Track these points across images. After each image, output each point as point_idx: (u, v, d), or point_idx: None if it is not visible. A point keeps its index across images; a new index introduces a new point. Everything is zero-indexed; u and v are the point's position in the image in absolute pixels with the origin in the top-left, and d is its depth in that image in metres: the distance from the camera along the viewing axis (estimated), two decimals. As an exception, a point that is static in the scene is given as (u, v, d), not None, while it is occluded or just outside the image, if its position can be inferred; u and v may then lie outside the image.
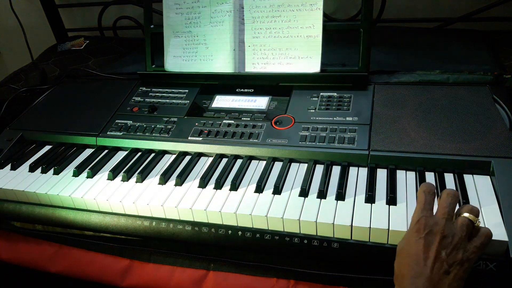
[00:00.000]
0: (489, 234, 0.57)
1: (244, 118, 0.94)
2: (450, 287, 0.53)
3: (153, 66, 1.12)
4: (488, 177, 0.74)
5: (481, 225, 0.60)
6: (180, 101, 1.03)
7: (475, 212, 0.58)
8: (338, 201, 0.73)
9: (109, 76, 1.19)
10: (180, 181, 0.83)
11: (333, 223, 0.68)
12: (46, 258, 0.87)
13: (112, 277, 0.83)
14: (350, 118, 0.88)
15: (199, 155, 0.91)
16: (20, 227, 0.91)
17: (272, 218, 0.72)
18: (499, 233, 0.62)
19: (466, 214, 0.58)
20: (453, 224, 0.57)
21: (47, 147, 1.02)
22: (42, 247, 0.89)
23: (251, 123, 0.92)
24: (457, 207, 0.61)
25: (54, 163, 0.94)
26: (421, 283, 0.53)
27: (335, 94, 0.95)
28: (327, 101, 0.93)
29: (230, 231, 0.75)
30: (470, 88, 0.89)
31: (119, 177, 0.87)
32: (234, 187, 0.79)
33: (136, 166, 0.89)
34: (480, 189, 0.72)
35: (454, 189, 0.71)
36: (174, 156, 0.92)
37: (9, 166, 0.95)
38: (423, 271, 0.54)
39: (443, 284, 0.53)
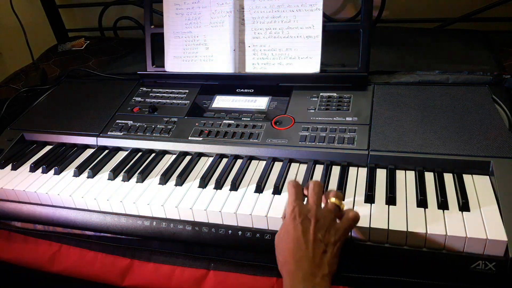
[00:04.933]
0: (355, 216, 0.64)
1: (244, 118, 0.94)
2: (328, 264, 0.59)
3: (154, 66, 1.12)
4: (488, 177, 0.74)
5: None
6: (180, 101, 1.03)
7: (340, 197, 0.66)
8: (338, 201, 0.73)
9: (110, 76, 1.19)
10: (181, 181, 0.83)
11: (333, 223, 0.69)
12: (46, 258, 0.88)
13: (112, 277, 0.83)
14: (350, 118, 0.88)
15: (199, 155, 0.91)
16: (20, 227, 0.91)
17: (272, 218, 0.72)
18: (498, 233, 0.62)
19: (333, 199, 0.66)
20: (322, 209, 0.64)
21: (47, 147, 1.02)
22: (42, 247, 0.89)
23: (251, 123, 0.92)
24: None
25: (54, 163, 0.94)
26: (306, 264, 0.58)
27: (335, 94, 0.95)
28: (327, 101, 0.93)
29: (230, 231, 0.75)
30: (469, 88, 0.89)
31: (120, 177, 0.87)
32: (234, 187, 0.79)
33: (137, 166, 0.89)
34: (480, 189, 0.72)
35: (453, 188, 0.73)
36: (174, 156, 0.92)
37: (9, 166, 0.95)
38: (305, 254, 0.59)
39: (323, 263, 0.59)
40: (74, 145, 1.01)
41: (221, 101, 1.00)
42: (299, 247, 0.60)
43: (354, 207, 0.71)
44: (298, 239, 0.60)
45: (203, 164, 0.89)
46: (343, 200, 0.71)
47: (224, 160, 0.88)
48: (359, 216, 0.65)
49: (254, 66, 1.02)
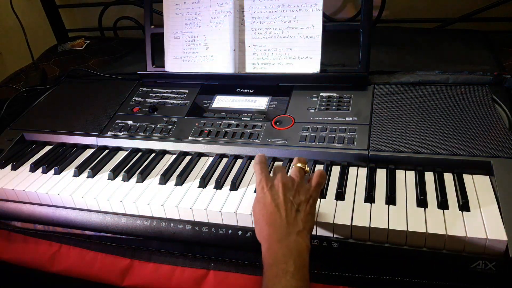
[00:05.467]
0: (321, 172, 0.68)
1: (244, 118, 0.94)
2: (303, 221, 0.62)
3: (154, 66, 1.12)
4: (488, 177, 0.74)
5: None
6: (180, 101, 1.03)
7: (302, 161, 0.70)
8: (338, 201, 0.73)
9: (110, 76, 1.19)
10: (181, 181, 0.83)
11: (333, 223, 0.69)
12: (46, 258, 0.88)
13: (112, 277, 0.83)
14: (350, 118, 0.88)
15: (199, 155, 0.91)
16: (20, 227, 0.91)
17: (272, 218, 0.72)
18: (498, 233, 0.62)
19: (298, 164, 0.69)
20: (288, 175, 0.68)
21: (47, 147, 1.02)
22: (42, 247, 0.89)
23: (251, 123, 0.92)
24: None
25: (54, 163, 0.94)
26: (280, 225, 0.61)
27: (335, 94, 0.95)
28: (327, 101, 0.93)
29: (230, 231, 0.75)
30: (469, 88, 0.89)
31: (120, 177, 0.87)
32: (234, 187, 0.79)
33: (137, 166, 0.89)
34: (480, 189, 0.72)
35: (453, 188, 0.73)
36: (174, 156, 0.92)
37: (9, 166, 0.95)
38: (278, 216, 0.61)
39: (297, 221, 0.61)
40: (74, 145, 1.01)
41: (221, 101, 1.00)
42: (271, 211, 0.62)
43: (354, 207, 0.71)
44: (269, 205, 0.63)
45: (203, 164, 0.89)
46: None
47: (224, 160, 0.88)
48: (324, 173, 0.70)
49: (254, 66, 1.02)
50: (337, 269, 0.71)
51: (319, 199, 0.74)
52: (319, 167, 0.82)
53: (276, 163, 0.86)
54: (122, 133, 0.97)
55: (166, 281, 0.79)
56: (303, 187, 0.66)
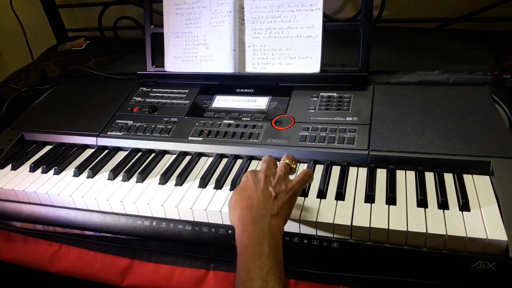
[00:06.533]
0: (307, 171, 0.70)
1: (244, 118, 0.94)
2: (279, 207, 0.63)
3: (154, 66, 1.12)
4: (488, 177, 0.74)
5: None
6: (180, 101, 1.03)
7: (291, 158, 0.72)
8: (338, 201, 0.73)
9: (110, 76, 1.19)
10: (180, 181, 0.83)
11: (333, 223, 0.69)
12: (46, 258, 0.87)
13: (112, 277, 0.83)
14: (350, 118, 0.88)
15: (199, 155, 0.91)
16: (20, 227, 0.91)
17: (272, 218, 0.72)
18: (498, 233, 0.62)
19: (286, 160, 0.71)
20: (274, 169, 0.70)
21: (47, 147, 1.02)
22: (42, 247, 0.89)
23: (251, 123, 0.92)
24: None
25: (54, 163, 0.94)
26: (256, 208, 0.63)
27: (335, 94, 0.95)
28: (327, 101, 0.93)
29: (230, 231, 0.75)
30: (469, 88, 0.89)
31: (120, 177, 0.87)
32: (234, 187, 0.79)
33: (137, 166, 0.89)
34: (480, 189, 0.72)
35: (453, 188, 0.73)
36: (174, 156, 0.92)
37: (9, 166, 0.95)
38: (256, 198, 0.64)
39: (273, 206, 0.63)
40: (74, 145, 1.01)
41: (221, 101, 1.00)
42: (249, 195, 0.65)
43: (354, 207, 0.71)
44: (249, 189, 0.66)
45: (203, 164, 0.89)
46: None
47: (224, 160, 0.88)
48: (311, 171, 0.71)
49: (254, 66, 1.02)
50: (337, 269, 0.71)
51: (319, 199, 0.74)
52: (319, 167, 0.82)
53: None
54: (122, 133, 0.97)
55: (166, 281, 0.79)
56: (286, 179, 0.68)
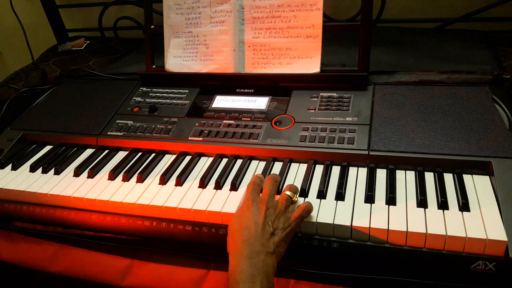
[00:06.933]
0: (306, 206, 0.69)
1: (244, 118, 0.94)
2: (275, 245, 0.64)
3: (154, 66, 1.12)
4: (488, 177, 0.74)
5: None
6: (180, 101, 1.03)
7: (294, 190, 0.72)
8: (338, 201, 0.73)
9: (110, 76, 1.19)
10: (181, 181, 0.83)
11: (333, 223, 0.69)
12: (46, 258, 0.87)
13: (112, 277, 0.83)
14: (350, 118, 0.88)
15: (199, 155, 0.91)
16: (20, 227, 0.91)
17: (272, 218, 0.72)
18: (498, 234, 0.62)
19: (287, 192, 0.71)
20: (275, 200, 0.70)
21: (47, 147, 1.02)
22: (42, 247, 0.89)
23: (251, 123, 0.92)
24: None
25: (54, 163, 0.94)
26: (253, 243, 0.63)
27: (335, 94, 0.95)
28: (327, 101, 0.93)
29: (230, 231, 0.75)
30: (469, 88, 0.89)
31: (120, 177, 0.87)
32: (234, 187, 0.79)
33: (137, 166, 0.89)
34: (480, 189, 0.72)
35: (453, 188, 0.73)
36: (174, 156, 0.92)
37: (10, 166, 0.95)
38: (253, 235, 0.64)
39: (269, 243, 0.63)
40: (74, 145, 1.01)
41: (221, 101, 1.00)
42: (247, 227, 0.65)
43: (354, 207, 0.71)
44: (247, 222, 0.66)
45: (203, 164, 0.89)
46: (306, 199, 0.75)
47: (224, 160, 0.88)
48: (312, 207, 0.70)
49: (254, 66, 1.02)
50: (337, 269, 0.71)
51: (319, 200, 0.74)
52: (319, 167, 0.82)
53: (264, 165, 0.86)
54: (122, 133, 0.97)
55: (166, 281, 0.79)
56: (285, 215, 0.68)
